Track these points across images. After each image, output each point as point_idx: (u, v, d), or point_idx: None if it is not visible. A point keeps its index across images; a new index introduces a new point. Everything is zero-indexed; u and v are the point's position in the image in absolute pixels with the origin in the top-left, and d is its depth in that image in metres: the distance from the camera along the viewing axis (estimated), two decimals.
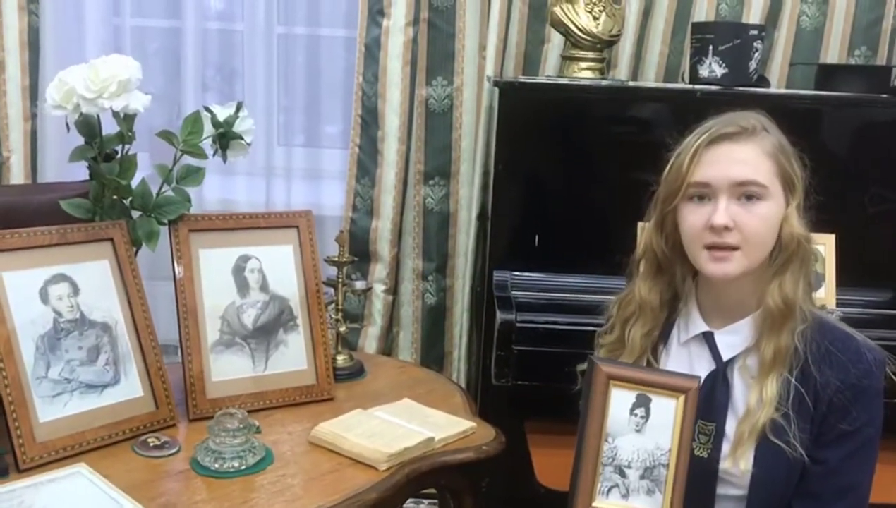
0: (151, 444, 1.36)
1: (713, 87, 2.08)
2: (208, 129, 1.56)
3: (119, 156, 1.46)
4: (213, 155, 1.59)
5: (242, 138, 1.58)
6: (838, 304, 1.98)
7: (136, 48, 2.50)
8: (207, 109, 1.57)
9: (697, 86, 2.10)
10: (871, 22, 2.36)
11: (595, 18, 2.15)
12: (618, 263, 1.82)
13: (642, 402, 1.23)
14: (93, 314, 1.39)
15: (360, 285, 1.79)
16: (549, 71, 2.41)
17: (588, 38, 2.15)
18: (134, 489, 1.23)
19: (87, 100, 1.33)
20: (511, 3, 2.38)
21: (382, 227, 2.48)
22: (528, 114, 2.09)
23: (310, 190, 2.59)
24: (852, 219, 2.02)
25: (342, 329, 1.68)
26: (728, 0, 2.37)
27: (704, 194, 1.23)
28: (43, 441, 1.29)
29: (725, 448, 1.26)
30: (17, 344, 1.29)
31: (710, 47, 2.11)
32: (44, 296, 1.34)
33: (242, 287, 1.54)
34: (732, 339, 1.29)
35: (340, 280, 1.70)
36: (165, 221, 1.49)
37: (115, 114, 1.38)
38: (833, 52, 2.37)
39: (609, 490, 1.22)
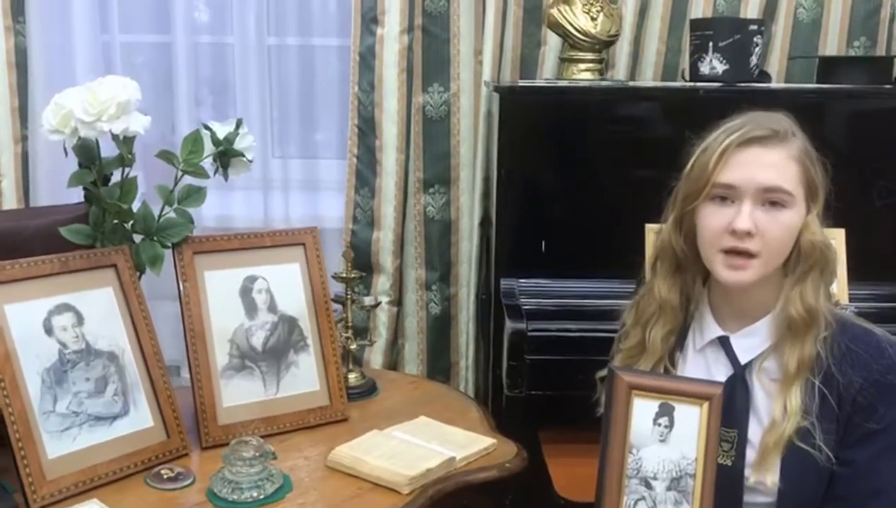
0: (165, 476, 1.32)
1: (716, 84, 2.06)
2: (208, 148, 1.52)
3: (120, 179, 1.41)
4: (215, 173, 1.55)
5: (244, 155, 1.54)
6: (850, 299, 1.96)
7: (125, 65, 2.46)
8: (207, 127, 1.53)
9: (700, 84, 2.08)
10: (869, 12, 2.34)
11: (593, 19, 2.12)
12: (629, 265, 1.80)
13: (666, 411, 1.20)
14: (98, 343, 1.35)
15: (368, 301, 1.75)
16: (546, 74, 2.38)
17: (587, 39, 2.12)
18: None
19: (85, 124, 1.29)
20: (506, 7, 2.34)
21: (384, 238, 2.44)
22: (529, 118, 2.06)
23: (308, 202, 2.56)
24: (861, 213, 1.99)
25: (353, 346, 1.64)
26: None
27: (728, 196, 1.20)
28: (53, 479, 1.24)
29: (750, 454, 1.23)
30: (23, 379, 1.25)
31: (710, 44, 2.08)
32: (48, 328, 1.30)
33: (250, 308, 1.50)
34: (749, 342, 1.27)
35: (349, 296, 1.66)
36: (169, 244, 1.45)
37: (115, 137, 1.34)
38: (832, 44, 2.35)
39: (636, 503, 1.18)
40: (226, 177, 1.56)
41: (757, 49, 2.11)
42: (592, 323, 1.91)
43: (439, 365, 2.56)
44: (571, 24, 2.10)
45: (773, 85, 2.21)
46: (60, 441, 1.27)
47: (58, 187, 2.22)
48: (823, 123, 2.04)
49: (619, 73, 2.37)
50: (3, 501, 1.22)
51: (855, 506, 1.21)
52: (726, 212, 1.20)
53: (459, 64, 2.39)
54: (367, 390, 1.66)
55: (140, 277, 1.46)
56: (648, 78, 2.39)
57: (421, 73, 2.39)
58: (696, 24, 2.15)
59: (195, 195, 1.51)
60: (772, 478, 1.19)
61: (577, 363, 1.87)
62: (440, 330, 2.55)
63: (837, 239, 1.98)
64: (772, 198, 1.19)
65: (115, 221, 1.43)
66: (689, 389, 1.20)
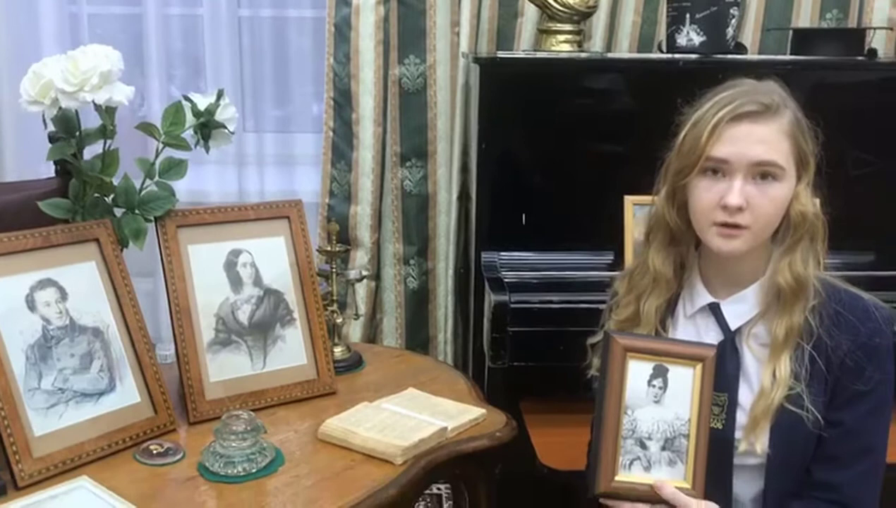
0: (154, 452, 1.30)
1: (693, 56, 2.07)
2: (189, 119, 1.49)
3: (102, 151, 1.38)
4: (196, 146, 1.53)
5: (226, 127, 1.51)
6: (825, 268, 1.99)
7: (94, 37, 2.40)
8: (187, 98, 1.50)
9: (679, 56, 2.08)
10: None
11: None
12: (609, 236, 1.80)
13: (660, 373, 1.21)
14: (83, 319, 1.32)
15: (353, 274, 1.74)
16: (523, 45, 2.37)
17: (565, 10, 2.11)
18: (142, 500, 1.17)
19: (66, 94, 1.25)
20: None
21: (362, 212, 2.43)
22: (509, 89, 2.05)
23: (283, 176, 2.53)
24: (835, 182, 2.02)
25: (339, 320, 1.63)
26: None
27: (719, 169, 1.21)
28: (41, 456, 1.22)
29: (740, 417, 1.25)
30: (7, 356, 1.22)
31: (687, 15, 2.09)
32: (30, 304, 1.27)
33: (235, 282, 1.48)
34: (739, 308, 1.29)
35: (334, 270, 1.65)
36: (152, 218, 1.42)
37: (98, 108, 1.31)
38: (805, 15, 2.37)
39: (631, 463, 1.20)
40: (206, 148, 1.53)
41: (733, 21, 2.12)
42: (574, 294, 1.93)
43: (418, 339, 2.57)
44: None
45: (749, 56, 2.22)
46: (47, 418, 1.24)
47: (24, 161, 2.17)
48: (798, 95, 2.05)
49: (596, 44, 2.37)
50: None
51: (844, 465, 1.23)
52: (718, 187, 1.21)
53: (436, 35, 2.38)
54: (353, 363, 1.65)
55: (122, 252, 1.43)
56: (624, 49, 2.39)
57: (397, 44, 2.37)
58: None
59: (176, 168, 1.48)
60: (761, 445, 1.21)
61: (558, 334, 1.89)
62: (418, 305, 2.55)
63: None
64: (763, 172, 1.20)
65: (97, 195, 1.39)
66: (683, 351, 1.22)
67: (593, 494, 1.19)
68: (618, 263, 1.98)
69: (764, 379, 1.22)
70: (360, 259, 2.45)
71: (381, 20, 2.31)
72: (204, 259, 1.46)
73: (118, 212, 1.45)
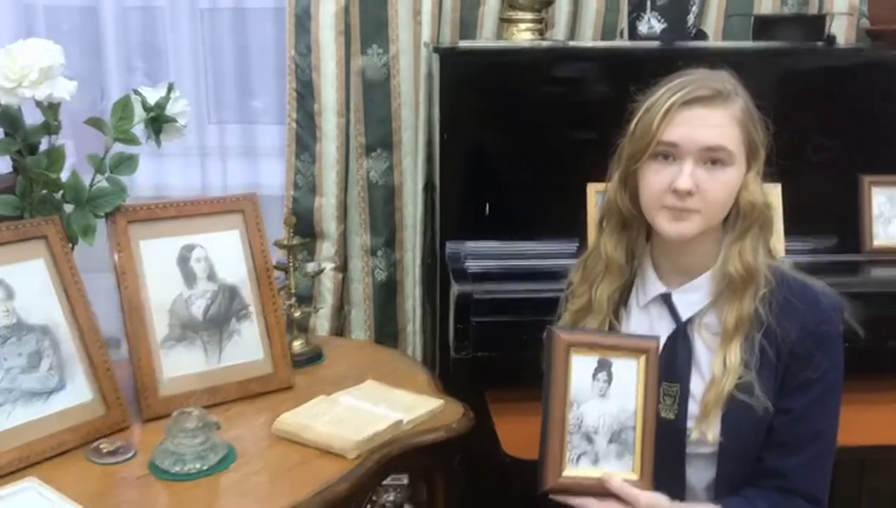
0: (105, 450, 1.29)
1: (654, 44, 2.07)
2: (139, 114, 1.47)
3: (46, 148, 1.36)
4: (147, 140, 1.51)
5: (176, 121, 1.50)
6: (786, 253, 2.00)
7: (51, 30, 2.36)
8: (137, 92, 1.48)
9: (639, 43, 2.08)
10: None
11: None
12: (573, 224, 1.80)
13: (604, 366, 1.22)
14: (31, 317, 1.30)
15: (311, 267, 1.73)
16: (485, 34, 2.35)
17: None
18: (92, 500, 1.16)
19: (5, 91, 1.23)
20: None
21: (327, 204, 2.41)
22: (470, 79, 2.04)
23: (247, 169, 2.51)
24: (795, 168, 2.02)
25: (297, 314, 1.62)
26: None
27: (670, 154, 1.21)
28: None
29: (692, 408, 1.26)
30: None
31: (648, 3, 2.09)
32: None
33: (189, 277, 1.46)
34: (690, 298, 1.29)
35: (292, 263, 1.64)
36: (102, 214, 1.40)
37: (39, 104, 1.29)
38: (766, 1, 2.37)
39: (578, 457, 1.21)
40: (158, 143, 1.51)
41: (694, 8, 2.12)
42: (538, 283, 1.92)
43: (387, 331, 2.56)
44: None
45: (709, 43, 2.22)
46: None
47: None
48: (758, 81, 2.03)
49: (559, 32, 2.35)
50: None
51: (794, 451, 1.24)
52: (668, 171, 1.21)
53: (398, 25, 2.35)
54: (313, 357, 1.64)
55: (72, 248, 1.41)
56: (588, 37, 2.38)
57: (359, 34, 2.35)
58: None
59: (127, 163, 1.47)
60: (713, 434, 1.22)
61: (523, 324, 1.87)
62: (386, 296, 2.54)
63: (773, 194, 2.02)
64: (713, 157, 1.21)
65: (44, 191, 1.37)
66: (626, 344, 1.22)
67: (541, 490, 1.19)
68: (583, 251, 1.98)
69: (715, 367, 1.23)
70: (327, 251, 2.44)
71: (342, 10, 2.29)
72: (156, 254, 1.45)
73: (69, 208, 1.43)
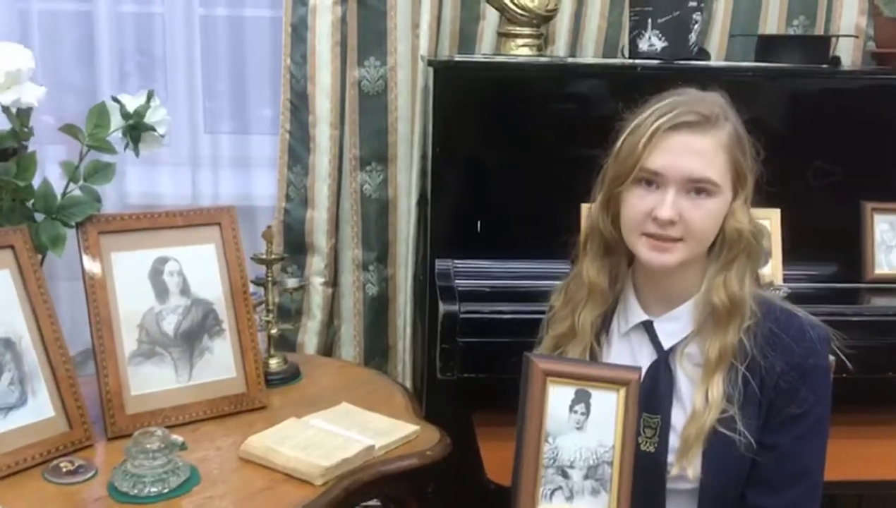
0: (65, 469, 1.24)
1: (653, 62, 2.02)
2: (118, 121, 1.44)
3: (16, 155, 1.33)
4: (125, 149, 1.47)
5: (155, 130, 1.46)
6: (785, 280, 1.95)
7: (46, 35, 2.34)
8: (115, 99, 1.45)
9: (638, 61, 2.04)
10: None
11: None
12: (566, 245, 1.75)
13: (582, 398, 1.17)
14: None
15: (292, 283, 1.69)
16: (485, 49, 2.32)
17: (524, 13, 2.06)
18: None
19: None
20: None
21: (318, 217, 2.37)
22: (464, 94, 2.00)
23: (239, 179, 2.47)
24: (797, 193, 1.99)
25: (273, 331, 1.57)
26: None
27: (653, 180, 1.17)
28: None
29: (673, 440, 1.21)
30: None
31: (649, 20, 2.05)
32: None
33: (161, 291, 1.42)
34: (672, 327, 1.24)
35: (270, 278, 1.59)
36: (72, 224, 1.37)
37: (6, 110, 1.25)
38: (772, 22, 2.33)
39: (552, 493, 1.16)
40: (136, 152, 1.48)
41: (696, 26, 2.07)
42: (527, 304, 1.87)
43: (377, 347, 2.51)
44: None
45: (710, 63, 2.18)
46: None
47: None
48: (760, 102, 2.01)
49: (560, 49, 2.32)
50: None
51: (779, 489, 1.19)
52: (650, 198, 1.17)
53: (397, 37, 2.32)
54: (290, 376, 1.60)
55: (43, 259, 1.37)
56: (590, 54, 2.34)
57: (356, 45, 2.31)
58: (636, 0, 2.11)
59: (103, 171, 1.43)
60: (693, 471, 1.17)
61: (510, 345, 1.81)
62: (377, 312, 2.49)
63: (773, 219, 1.97)
64: (697, 187, 1.16)
65: (13, 200, 1.34)
66: (605, 375, 1.17)
67: None
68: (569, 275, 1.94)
69: (696, 400, 1.18)
70: (317, 265, 2.39)
71: (339, 21, 2.25)
72: (128, 267, 1.41)
73: (39, 217, 1.39)
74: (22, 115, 1.29)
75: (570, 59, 2.26)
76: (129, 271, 1.40)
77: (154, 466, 1.19)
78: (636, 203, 1.18)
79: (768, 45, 2.17)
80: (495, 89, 2.02)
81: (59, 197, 1.39)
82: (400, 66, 2.33)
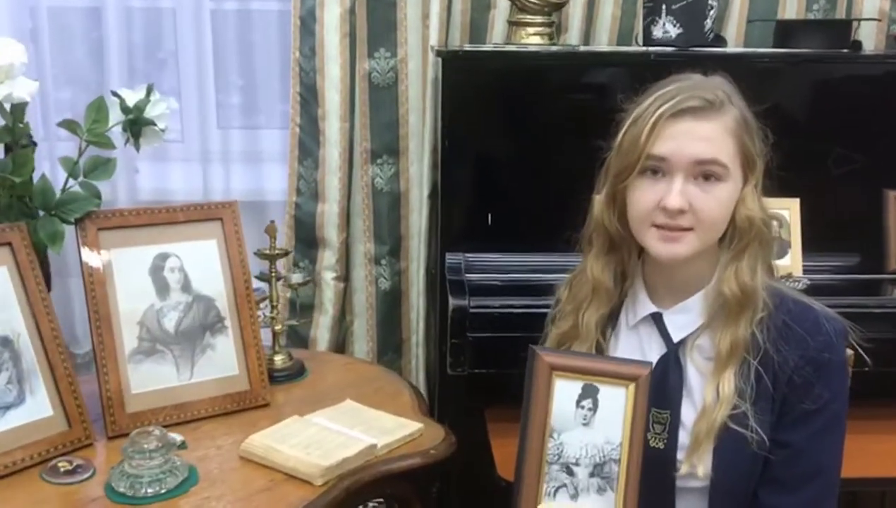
0: (62, 470, 1.23)
1: (668, 49, 1.97)
2: (118, 116, 1.42)
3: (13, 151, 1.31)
4: (126, 144, 1.45)
5: (155, 124, 1.44)
6: (805, 271, 1.90)
7: (56, 32, 2.33)
8: (115, 94, 1.43)
9: (651, 48, 1.99)
10: None
11: None
12: (573, 239, 1.72)
13: (589, 393, 1.13)
14: None
15: (297, 278, 1.67)
16: (496, 38, 2.28)
17: (535, 1, 2.02)
18: None
19: None
20: None
21: (329, 211, 2.35)
22: (474, 85, 1.97)
23: (250, 174, 2.45)
24: (816, 181, 1.93)
25: (278, 327, 1.55)
26: None
27: (659, 169, 1.13)
28: None
29: (682, 436, 1.17)
30: None
31: (663, 7, 2.00)
32: None
33: (162, 288, 1.41)
34: (682, 319, 1.20)
35: (273, 274, 1.57)
36: (71, 220, 1.35)
37: None
38: (791, 6, 2.26)
39: (556, 490, 1.12)
40: (137, 147, 1.46)
41: (712, 12, 2.02)
42: (537, 298, 1.82)
43: (390, 342, 2.48)
44: None
45: (726, 49, 2.12)
46: None
47: None
48: (778, 89, 1.96)
49: (573, 37, 2.27)
50: None
51: (793, 489, 1.14)
52: (658, 187, 1.13)
53: (407, 28, 2.28)
54: (295, 373, 1.58)
55: (44, 256, 1.36)
56: (603, 42, 2.29)
57: (366, 37, 2.28)
58: None
59: (103, 167, 1.41)
60: (703, 468, 1.13)
61: (521, 340, 1.79)
62: (390, 306, 2.47)
63: (792, 208, 1.92)
64: (705, 172, 1.12)
65: (11, 196, 1.32)
66: (614, 370, 1.13)
67: None
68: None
69: (707, 395, 1.14)
70: (328, 259, 2.37)
71: (347, 12, 2.22)
72: (128, 263, 1.39)
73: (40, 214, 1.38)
74: (16, 111, 1.27)
75: (582, 48, 2.22)
76: (129, 268, 1.39)
77: (151, 466, 1.18)
78: (643, 194, 1.14)
79: (787, 31, 2.11)
80: (505, 79, 1.99)
81: (58, 193, 1.37)
82: (410, 57, 2.30)
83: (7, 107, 1.25)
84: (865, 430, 1.54)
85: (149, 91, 1.45)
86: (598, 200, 1.23)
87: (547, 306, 1.78)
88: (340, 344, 2.43)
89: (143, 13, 2.36)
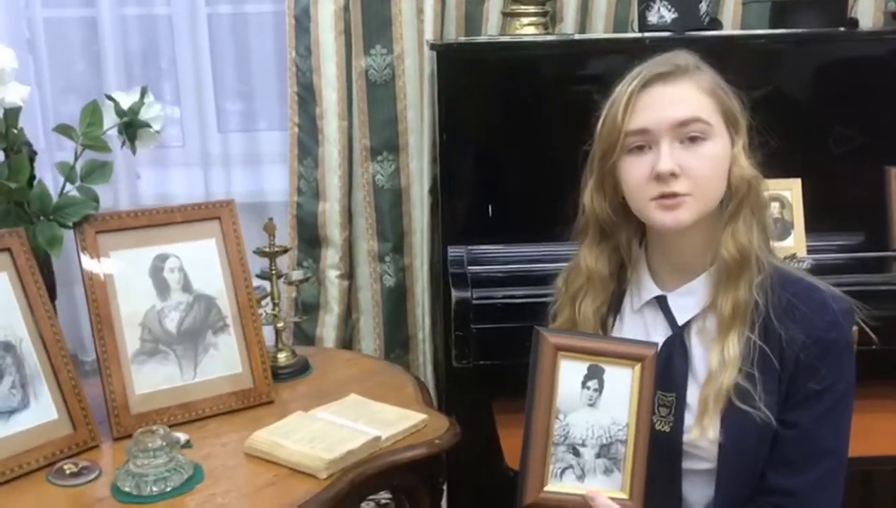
0: (68, 472, 1.23)
1: (663, 34, 1.96)
2: (113, 119, 1.43)
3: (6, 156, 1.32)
4: (122, 147, 1.46)
5: (150, 126, 1.44)
6: (809, 251, 1.89)
7: (53, 41, 2.34)
8: (109, 97, 1.43)
9: (646, 34, 1.98)
10: None
11: None
12: (559, 234, 1.72)
13: (595, 374, 1.12)
14: None
15: (296, 275, 1.67)
16: (491, 30, 2.27)
17: None
18: None
19: None
20: None
21: (330, 209, 2.35)
22: (469, 77, 1.96)
23: (251, 176, 2.45)
24: (817, 161, 1.92)
25: (280, 325, 1.55)
26: None
27: (644, 143, 1.13)
28: None
29: (689, 419, 1.16)
30: None
31: None
32: None
33: (162, 289, 1.41)
34: (687, 301, 1.19)
35: (273, 272, 1.57)
36: (69, 224, 1.36)
37: None
38: None
39: (563, 471, 1.11)
40: (133, 150, 1.46)
41: None
42: (541, 288, 1.80)
43: (397, 339, 2.48)
44: None
45: (722, 32, 2.11)
46: None
47: None
48: (776, 70, 1.95)
49: (568, 26, 2.26)
50: None
51: (799, 470, 1.14)
52: (646, 159, 1.13)
53: (402, 24, 2.28)
54: (299, 369, 1.58)
55: (43, 260, 1.36)
56: (600, 31, 2.28)
57: (361, 34, 2.28)
58: None
59: (99, 171, 1.42)
60: (712, 434, 1.12)
61: (525, 330, 1.78)
62: (396, 302, 2.47)
63: (794, 189, 1.91)
64: (690, 133, 1.12)
65: (9, 202, 1.33)
66: (620, 350, 1.13)
67: (521, 506, 1.10)
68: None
69: (712, 361, 1.13)
70: (331, 257, 2.37)
71: (341, 10, 2.22)
72: (127, 265, 1.40)
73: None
74: (10, 116, 1.27)
75: (577, 36, 2.21)
76: (129, 269, 1.39)
77: (156, 465, 1.18)
78: (633, 170, 1.14)
79: (783, 11, 2.09)
80: (501, 71, 1.98)
81: (55, 197, 1.37)
82: (407, 52, 2.29)
83: (0, 112, 1.25)
84: (874, 409, 1.52)
85: (143, 93, 1.45)
86: (587, 190, 1.22)
87: (549, 295, 1.79)
88: (347, 343, 2.43)
89: (138, 21, 2.37)
